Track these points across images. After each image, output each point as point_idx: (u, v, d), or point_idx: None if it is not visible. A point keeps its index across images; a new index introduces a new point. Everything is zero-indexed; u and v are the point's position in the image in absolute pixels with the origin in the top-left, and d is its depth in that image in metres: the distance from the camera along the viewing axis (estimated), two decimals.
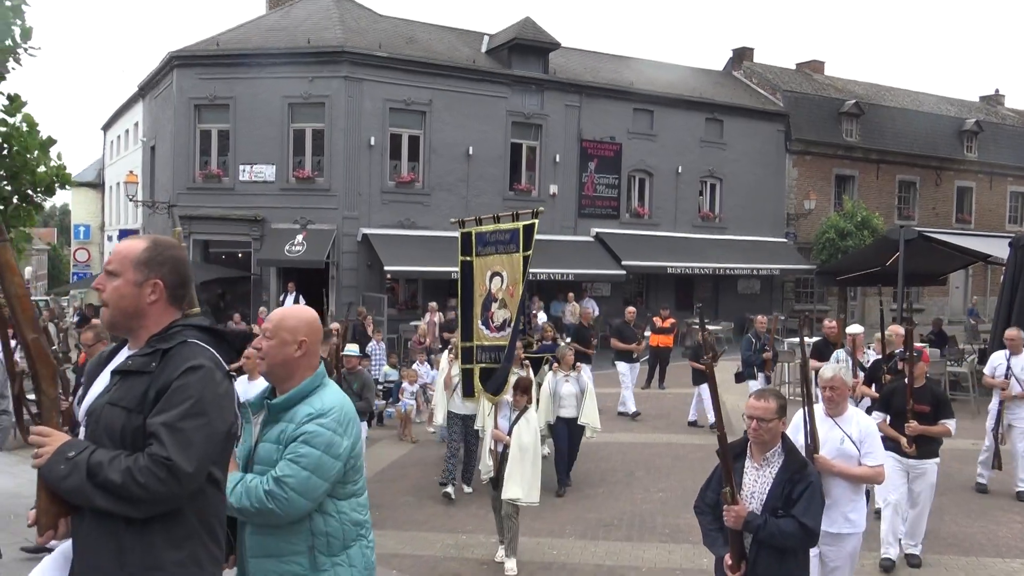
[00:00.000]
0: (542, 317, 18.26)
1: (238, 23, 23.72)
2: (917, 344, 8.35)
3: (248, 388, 7.47)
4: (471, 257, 7.82)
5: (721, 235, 26.73)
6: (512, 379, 7.35)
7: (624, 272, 23.21)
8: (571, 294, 21.19)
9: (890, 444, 6.37)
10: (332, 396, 3.14)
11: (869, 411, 6.59)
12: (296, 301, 19.37)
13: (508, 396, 7.20)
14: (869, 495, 5.10)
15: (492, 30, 25.56)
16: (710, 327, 23.71)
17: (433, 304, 17.71)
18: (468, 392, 7.89)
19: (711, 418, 13.43)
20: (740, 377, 12.81)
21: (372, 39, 22.01)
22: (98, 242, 37.70)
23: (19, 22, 9.36)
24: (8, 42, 9.29)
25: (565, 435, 9.05)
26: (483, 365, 7.50)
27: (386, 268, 19.84)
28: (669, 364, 16.49)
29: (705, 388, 12.93)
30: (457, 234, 8.06)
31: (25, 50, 9.55)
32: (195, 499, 2.45)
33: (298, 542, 3.00)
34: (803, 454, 4.28)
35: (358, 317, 16.84)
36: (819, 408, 5.03)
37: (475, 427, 8.71)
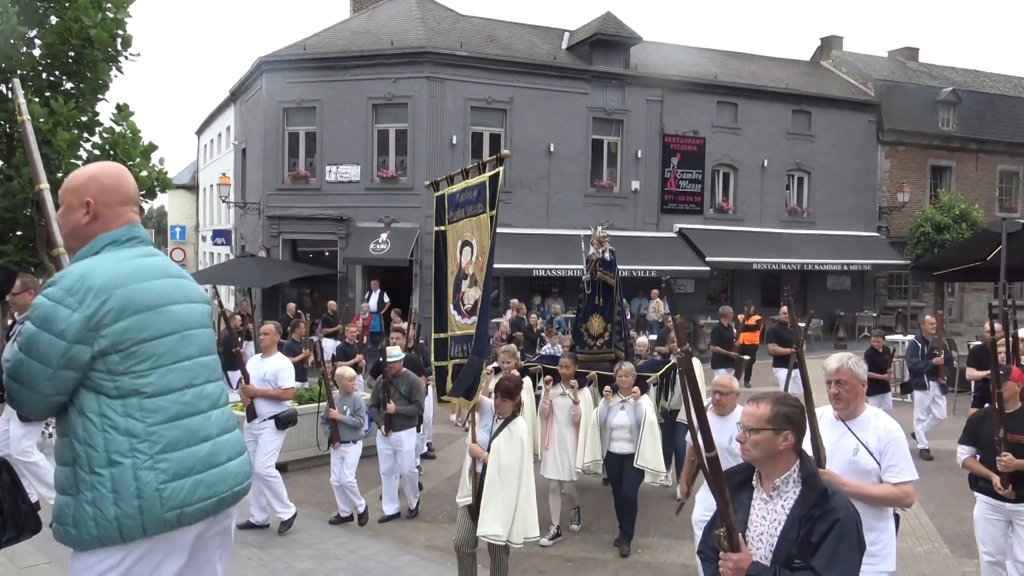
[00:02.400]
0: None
1: (324, 27, 24.29)
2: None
3: (261, 365, 7.39)
4: (444, 226, 6.35)
5: (809, 230, 26.00)
6: (489, 379, 6.28)
7: (708, 268, 22.82)
8: (655, 291, 20.97)
9: (983, 484, 5.26)
10: (85, 263, 2.48)
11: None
12: (381, 299, 19.75)
13: (489, 400, 5.84)
14: (898, 522, 4.06)
15: (573, 26, 25.51)
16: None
17: (515, 301, 17.78)
18: (443, 394, 6.45)
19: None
20: (907, 388, 11.38)
21: (453, 39, 22.22)
22: (193, 242, 39.25)
23: (120, 32, 9.81)
24: (110, 50, 9.74)
25: (618, 476, 7.15)
26: (457, 361, 6.03)
27: None
28: (756, 362, 16.15)
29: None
30: (433, 200, 6.60)
31: (126, 58, 10.01)
32: None
33: (66, 451, 2.46)
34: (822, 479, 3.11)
35: (515, 313, 16.80)
36: (827, 411, 4.01)
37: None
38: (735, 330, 15.54)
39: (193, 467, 2.52)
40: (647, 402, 7.28)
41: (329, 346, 14.44)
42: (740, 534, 2.93)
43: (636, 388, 7.17)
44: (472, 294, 5.88)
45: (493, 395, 5.71)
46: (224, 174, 25.66)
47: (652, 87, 23.78)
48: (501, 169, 5.68)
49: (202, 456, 2.56)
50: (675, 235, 23.86)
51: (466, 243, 6.01)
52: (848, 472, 3.78)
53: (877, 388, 11.10)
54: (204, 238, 36.12)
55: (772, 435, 2.98)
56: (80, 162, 9.86)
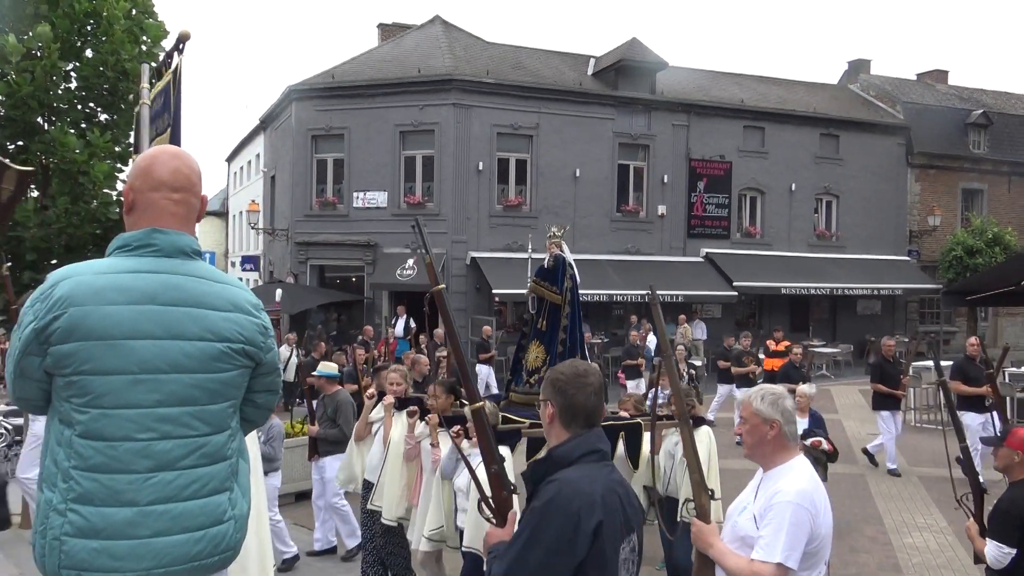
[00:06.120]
0: (651, 341, 17.91)
1: (352, 56, 24.60)
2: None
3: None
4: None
5: (838, 254, 25.76)
6: None
7: (735, 293, 22.66)
8: (682, 316, 20.83)
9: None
10: (70, 267, 2.26)
11: None
12: (407, 324, 19.79)
13: None
14: None
15: (599, 52, 25.62)
16: (826, 350, 22.88)
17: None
18: None
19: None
20: None
21: (480, 66, 22.41)
22: (222, 268, 39.71)
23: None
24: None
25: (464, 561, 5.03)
26: None
27: (494, 291, 20.04)
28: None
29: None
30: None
31: None
32: None
33: None
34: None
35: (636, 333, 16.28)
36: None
37: None
38: (764, 354, 15.42)
39: (103, 530, 2.13)
40: (503, 454, 4.88)
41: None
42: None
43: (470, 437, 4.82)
44: None
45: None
46: (253, 201, 25.96)
47: (678, 112, 23.79)
48: (180, 59, 4.35)
49: (116, 522, 2.14)
50: (702, 260, 23.73)
51: None
52: (731, 538, 3.01)
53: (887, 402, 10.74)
54: (233, 264, 36.51)
55: (542, 407, 2.53)
56: (115, 193, 10.04)
